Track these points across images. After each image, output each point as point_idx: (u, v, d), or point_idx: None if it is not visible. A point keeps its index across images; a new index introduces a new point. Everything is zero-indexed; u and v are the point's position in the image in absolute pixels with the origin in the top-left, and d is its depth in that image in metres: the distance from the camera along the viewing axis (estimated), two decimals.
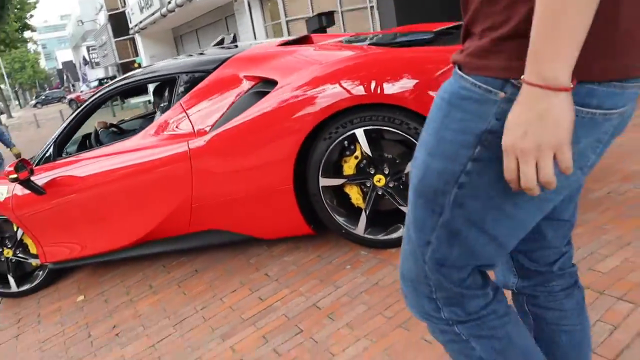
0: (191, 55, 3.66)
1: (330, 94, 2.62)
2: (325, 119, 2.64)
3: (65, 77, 55.30)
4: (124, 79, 3.56)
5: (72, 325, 3.12)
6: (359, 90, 2.57)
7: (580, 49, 0.76)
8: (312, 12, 13.58)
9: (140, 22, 20.07)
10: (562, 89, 0.78)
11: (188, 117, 3.11)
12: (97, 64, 36.18)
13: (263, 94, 2.90)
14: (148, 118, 4.35)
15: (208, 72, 3.16)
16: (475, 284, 1.02)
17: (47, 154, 3.52)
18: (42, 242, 3.51)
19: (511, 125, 0.82)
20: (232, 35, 4.26)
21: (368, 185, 2.74)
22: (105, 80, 29.76)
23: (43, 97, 48.07)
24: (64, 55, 66.27)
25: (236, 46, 3.69)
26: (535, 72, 0.78)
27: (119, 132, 4.19)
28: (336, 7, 12.88)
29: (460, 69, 0.92)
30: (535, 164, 0.81)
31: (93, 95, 3.57)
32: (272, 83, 2.90)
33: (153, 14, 17.89)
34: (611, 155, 3.25)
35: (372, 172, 2.71)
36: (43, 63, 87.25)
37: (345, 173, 2.78)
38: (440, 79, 2.46)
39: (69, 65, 55.51)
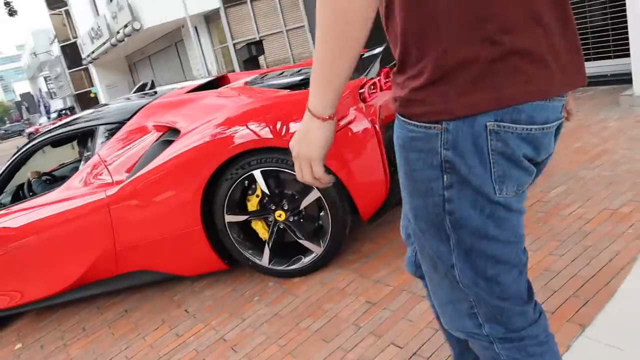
0: (107, 105, 3.87)
1: (226, 141, 2.85)
2: (222, 163, 2.86)
3: (24, 109, 54.50)
4: (49, 132, 3.73)
5: None
6: (251, 135, 2.80)
7: (337, 92, 1.02)
8: (258, 33, 13.85)
9: (93, 52, 20.05)
10: (319, 118, 1.05)
11: (106, 166, 3.31)
12: (55, 94, 35.79)
13: (170, 142, 3.12)
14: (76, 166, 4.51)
15: (122, 123, 3.37)
16: (517, 299, 1.06)
17: None
18: None
19: (295, 135, 1.11)
20: (150, 81, 4.46)
21: (270, 220, 2.98)
22: (64, 111, 29.47)
23: (2, 132, 47.28)
24: (22, 87, 65.15)
25: (155, 92, 3.89)
26: (309, 101, 1.05)
27: (51, 180, 4.34)
28: (281, 29, 13.18)
29: (400, 115, 1.04)
30: (301, 166, 1.11)
31: (18, 150, 3.74)
32: (177, 131, 3.13)
33: (104, 43, 17.93)
34: None
35: (273, 208, 2.94)
36: (1, 96, 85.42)
37: (249, 210, 3.02)
38: None
39: (26, 97, 54.60)
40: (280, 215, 2.92)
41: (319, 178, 1.12)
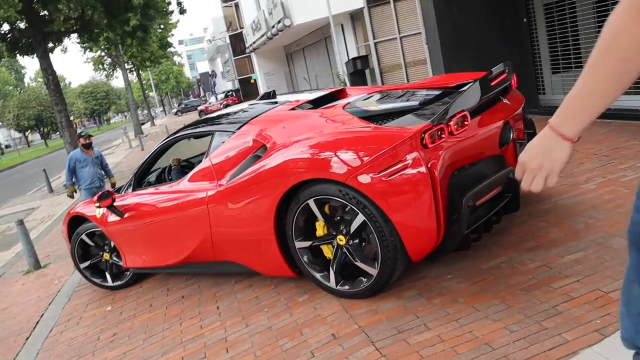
0: (229, 112, 4.49)
1: (293, 170, 3.10)
2: (289, 188, 3.11)
3: (201, 87, 61.04)
4: (184, 129, 4.45)
5: (94, 329, 4.16)
6: (315, 166, 3.01)
7: (592, 120, 1.12)
8: (399, 33, 13.98)
9: (254, 42, 21.91)
10: (567, 139, 1.17)
11: (213, 170, 3.81)
12: (224, 77, 39.70)
13: (259, 157, 3.48)
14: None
15: (232, 132, 3.83)
16: None
17: (129, 185, 4.66)
18: (123, 251, 4.61)
19: (529, 148, 1.25)
20: (273, 91, 4.95)
21: (334, 244, 3.16)
22: (230, 92, 32.55)
23: (183, 106, 53.64)
24: (203, 66, 72.83)
25: (275, 102, 4.25)
26: (558, 121, 1.17)
27: (187, 168, 4.97)
28: (419, 30, 13.14)
29: None
30: (532, 177, 1.25)
31: (161, 141, 4.52)
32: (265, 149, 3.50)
33: (262, 36, 19.53)
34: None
35: (334, 234, 3.13)
36: (188, 72, 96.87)
37: (317, 234, 3.24)
38: (379, 159, 2.78)
39: (204, 76, 61.03)
40: (341, 239, 3.11)
41: (549, 186, 1.27)
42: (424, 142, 2.75)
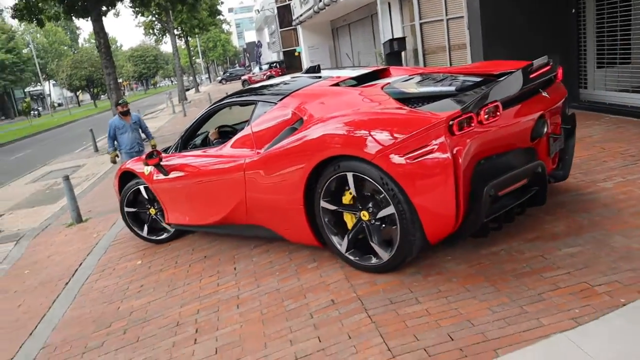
0: (271, 84, 4.61)
1: (325, 145, 3.24)
2: (321, 161, 3.25)
3: (247, 57, 61.40)
4: (229, 96, 4.63)
5: (124, 279, 4.55)
6: (346, 143, 3.14)
7: None
8: (446, 15, 13.81)
9: (301, 15, 21.97)
10: None
11: (252, 138, 3.98)
12: (270, 48, 39.86)
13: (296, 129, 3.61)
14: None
15: (274, 103, 3.94)
16: None
17: (176, 146, 4.94)
18: (166, 207, 4.94)
19: None
20: (317, 65, 4.95)
21: (357, 216, 3.32)
22: (274, 64, 32.80)
23: (228, 74, 54.32)
24: (250, 35, 73.07)
25: (319, 77, 4.31)
26: None
27: (232, 133, 4.95)
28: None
29: None
30: None
31: (208, 108, 4.76)
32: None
33: (309, 9, 19.58)
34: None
35: (360, 207, 3.26)
36: (235, 41, 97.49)
37: (343, 202, 3.39)
38: (406, 141, 2.88)
39: (250, 46, 61.34)
40: (364, 215, 3.25)
41: None
42: (451, 129, 2.79)
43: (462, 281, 3.00)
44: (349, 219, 3.42)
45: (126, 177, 5.35)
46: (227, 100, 4.57)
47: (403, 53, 14.40)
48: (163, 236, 5.29)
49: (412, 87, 3.64)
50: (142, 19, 39.03)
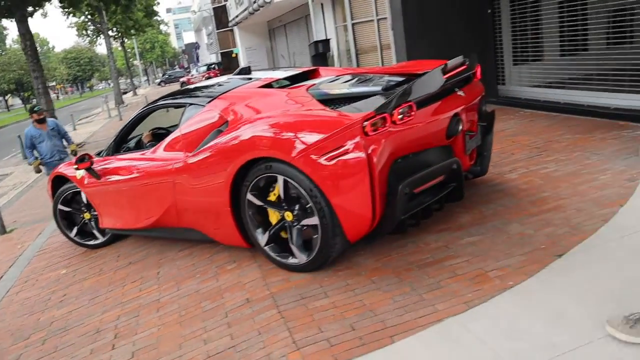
0: (203, 85, 4.67)
1: (246, 147, 3.31)
2: (244, 164, 3.31)
3: (186, 58, 60.53)
4: (160, 99, 4.62)
5: (47, 290, 4.47)
6: (266, 145, 3.21)
7: None
8: (377, 15, 14.12)
9: (237, 16, 21.89)
10: None
11: (182, 140, 3.97)
12: (208, 49, 39.39)
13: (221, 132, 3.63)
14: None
15: (203, 105, 3.95)
16: None
17: (108, 149, 4.82)
18: (99, 211, 4.85)
19: None
20: (248, 67, 5.05)
21: (281, 214, 3.37)
22: (213, 65, 32.46)
23: (167, 77, 53.28)
24: (189, 36, 71.94)
25: (250, 78, 4.35)
26: None
27: (165, 136, 4.66)
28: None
29: None
30: None
31: (140, 110, 4.72)
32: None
33: (244, 10, 19.54)
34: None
35: (285, 208, 3.30)
36: (175, 42, 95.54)
37: (269, 199, 3.42)
38: (322, 143, 2.95)
39: (189, 47, 60.44)
40: (288, 216, 3.30)
41: None
42: (365, 130, 2.87)
43: (370, 274, 3.17)
44: (274, 216, 3.46)
45: (60, 181, 5.23)
46: (159, 103, 4.57)
47: (336, 53, 14.67)
48: (91, 242, 5.22)
49: (336, 88, 3.74)
50: (74, 19, 37.68)
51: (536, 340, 2.31)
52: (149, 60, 73.47)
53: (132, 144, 5.14)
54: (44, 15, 25.33)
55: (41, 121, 7.28)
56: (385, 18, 13.94)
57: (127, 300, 3.73)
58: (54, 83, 69.24)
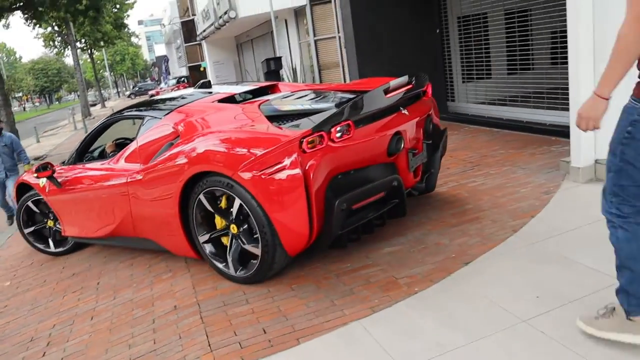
0: (164, 98, 4.78)
1: (191, 161, 3.43)
2: (189, 179, 3.43)
3: (156, 71, 60.39)
4: (120, 111, 4.75)
5: None
6: (208, 160, 3.32)
7: (617, 84, 1.94)
8: (338, 32, 14.47)
9: (204, 30, 22.06)
10: (604, 98, 1.99)
11: (138, 152, 4.07)
12: (178, 63, 39.42)
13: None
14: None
15: (160, 118, 4.04)
16: (633, 199, 2.09)
17: (71, 159, 4.93)
18: (62, 219, 4.93)
19: (583, 107, 2.08)
20: (209, 80, 5.21)
21: (229, 234, 3.44)
22: (182, 78, 32.53)
23: (137, 89, 52.98)
24: (161, 49, 71.61)
25: (210, 92, 4.45)
26: (599, 90, 1.99)
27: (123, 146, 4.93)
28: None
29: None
30: (585, 122, 2.08)
31: (103, 120, 4.80)
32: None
33: (211, 25, 19.74)
34: None
35: (231, 220, 3.38)
36: (146, 54, 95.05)
37: (217, 227, 3.54)
38: (261, 159, 3.06)
39: (159, 60, 60.29)
40: (233, 228, 3.39)
41: (595, 128, 2.11)
42: (302, 147, 2.98)
43: (291, 282, 3.39)
44: (226, 240, 3.54)
45: (24, 189, 5.32)
46: (122, 114, 4.68)
47: (299, 68, 14.97)
48: (41, 247, 5.33)
49: (286, 105, 3.86)
50: (41, 30, 37.24)
51: (427, 340, 2.55)
52: (119, 72, 72.84)
53: (96, 153, 5.23)
54: (6, 26, 25.00)
55: None
56: None
57: (64, 310, 3.86)
58: (20, 94, 67.97)
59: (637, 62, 1.97)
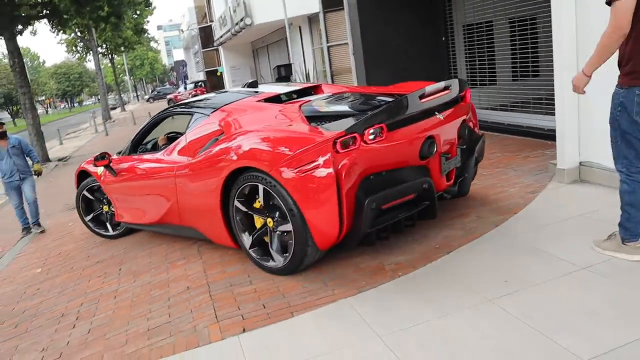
0: (210, 96, 5.03)
1: (234, 156, 3.64)
2: (230, 173, 3.65)
3: (174, 75, 61.57)
4: (172, 107, 5.11)
5: (23, 285, 5.03)
6: (250, 156, 3.53)
7: (597, 69, 2.93)
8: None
9: (221, 36, 22.69)
10: (588, 76, 2.99)
11: (187, 146, 4.36)
12: (196, 67, 40.26)
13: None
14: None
15: (207, 115, 4.30)
16: (636, 160, 3.01)
17: (126, 149, 5.34)
18: (116, 206, 5.38)
19: (574, 78, 3.09)
20: (255, 80, 5.39)
21: (265, 221, 3.66)
22: (200, 83, 33.28)
23: (155, 93, 54.16)
24: (179, 53, 72.81)
25: (256, 92, 4.61)
26: (585, 69, 2.98)
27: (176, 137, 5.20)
28: None
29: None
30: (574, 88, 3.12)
31: (157, 115, 5.17)
32: None
33: (228, 31, 20.34)
34: None
35: (267, 215, 3.60)
36: (165, 59, 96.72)
37: (255, 206, 3.74)
38: (297, 157, 3.23)
39: (177, 65, 61.37)
40: (270, 222, 3.60)
41: (581, 92, 3.13)
42: (336, 148, 3.14)
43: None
44: (258, 222, 3.77)
45: (83, 176, 5.83)
46: (172, 110, 5.01)
47: (313, 73, 15.41)
48: (102, 232, 5.83)
49: (325, 106, 3.99)
50: (65, 36, 38.31)
51: (403, 314, 2.95)
52: (139, 76, 74.26)
53: (149, 146, 5.57)
54: (33, 33, 25.93)
55: (0, 136, 6.73)
56: None
57: (90, 292, 4.32)
58: (43, 97, 69.60)
59: (618, 60, 2.93)
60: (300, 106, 3.87)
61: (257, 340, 2.92)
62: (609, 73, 3.10)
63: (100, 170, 5.40)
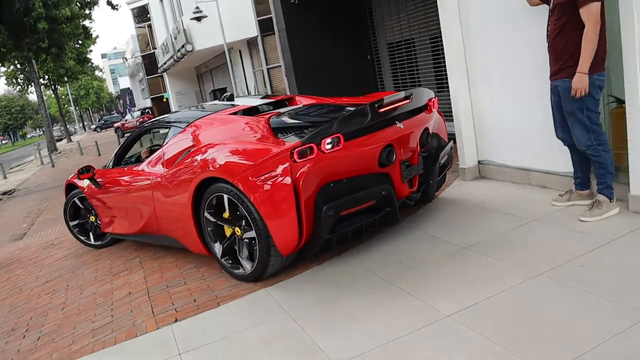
0: (187, 109, 5.40)
1: (201, 168, 3.82)
2: (199, 183, 3.81)
3: (121, 103, 61.08)
4: (153, 122, 5.37)
5: None
6: (215, 167, 3.70)
7: (590, 64, 3.45)
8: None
9: (164, 63, 23.01)
10: (585, 73, 3.46)
11: (162, 158, 4.53)
12: (142, 95, 40.24)
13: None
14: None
15: (182, 128, 4.47)
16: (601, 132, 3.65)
17: (110, 163, 5.55)
18: (100, 216, 5.61)
19: (573, 82, 3.53)
20: (231, 93, 5.76)
21: (233, 230, 3.80)
22: (146, 110, 33.30)
23: (102, 122, 53.43)
24: (125, 81, 72.10)
25: (232, 105, 4.82)
26: (580, 68, 3.46)
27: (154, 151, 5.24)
28: None
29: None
30: (579, 89, 3.53)
31: (136, 129, 5.48)
32: None
33: (170, 58, 20.70)
34: None
35: (234, 223, 3.76)
36: (111, 87, 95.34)
37: (224, 216, 3.86)
38: (257, 167, 3.40)
39: (123, 93, 60.93)
40: (238, 230, 3.74)
41: (586, 92, 3.54)
42: (293, 157, 3.29)
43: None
44: (228, 231, 3.89)
45: (72, 188, 6.11)
46: (153, 124, 5.30)
47: (254, 94, 15.97)
48: (83, 239, 6.12)
49: (293, 118, 4.17)
50: (3, 68, 37.55)
51: (312, 297, 3.49)
52: (84, 106, 72.94)
53: (133, 159, 5.73)
54: None
55: None
56: None
57: (39, 307, 4.67)
58: None
59: (556, 55, 3.64)
60: (269, 118, 3.98)
61: (187, 326, 3.41)
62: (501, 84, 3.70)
63: (85, 183, 5.68)
